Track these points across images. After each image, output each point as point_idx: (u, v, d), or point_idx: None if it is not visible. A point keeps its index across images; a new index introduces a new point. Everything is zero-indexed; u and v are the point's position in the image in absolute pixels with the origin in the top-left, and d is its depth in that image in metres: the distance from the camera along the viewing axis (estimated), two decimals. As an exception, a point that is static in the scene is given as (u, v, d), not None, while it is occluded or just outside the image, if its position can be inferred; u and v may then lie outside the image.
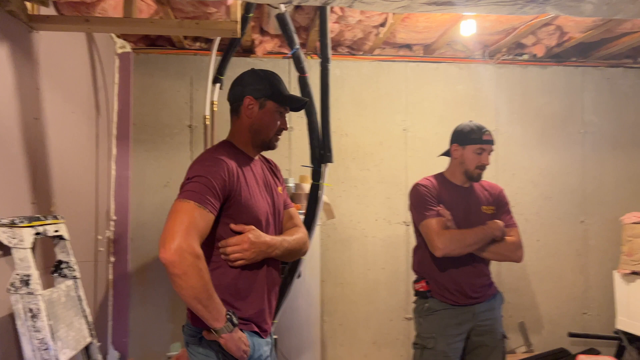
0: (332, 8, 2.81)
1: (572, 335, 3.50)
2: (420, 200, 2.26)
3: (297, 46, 2.55)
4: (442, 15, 2.96)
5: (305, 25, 3.21)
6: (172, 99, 3.45)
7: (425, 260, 2.28)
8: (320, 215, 3.25)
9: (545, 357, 3.35)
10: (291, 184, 3.05)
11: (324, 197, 2.74)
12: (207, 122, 3.01)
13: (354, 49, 3.57)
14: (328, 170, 2.63)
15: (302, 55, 2.57)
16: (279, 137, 1.72)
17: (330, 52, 2.57)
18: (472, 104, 3.64)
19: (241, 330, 1.54)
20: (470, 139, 2.28)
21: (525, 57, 3.67)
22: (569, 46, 3.45)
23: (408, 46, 3.62)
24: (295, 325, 2.86)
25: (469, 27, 3.05)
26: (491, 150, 2.30)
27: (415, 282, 2.34)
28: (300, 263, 2.58)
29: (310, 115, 2.56)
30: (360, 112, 3.59)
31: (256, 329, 1.62)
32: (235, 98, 1.69)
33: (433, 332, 2.22)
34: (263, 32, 3.32)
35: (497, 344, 2.27)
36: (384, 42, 3.50)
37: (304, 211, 2.63)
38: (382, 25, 3.16)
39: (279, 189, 1.79)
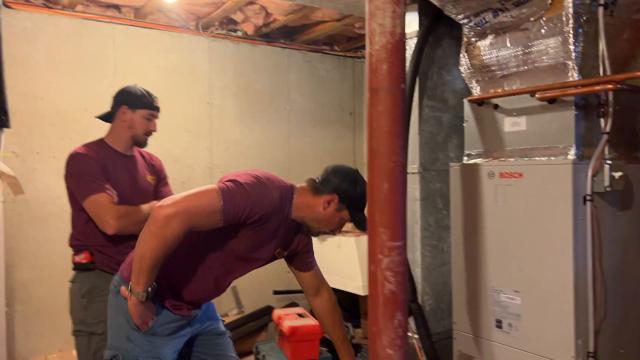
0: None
1: (276, 292, 3.86)
2: (85, 173, 2.05)
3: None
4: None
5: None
6: None
7: (91, 232, 2.08)
8: (4, 191, 2.80)
9: (253, 315, 3.62)
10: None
11: (6, 169, 2.36)
12: None
13: (51, 1, 3.14)
14: (4, 136, 2.26)
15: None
16: None
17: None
18: (185, 75, 3.62)
19: (155, 303, 1.68)
20: (142, 103, 2.15)
21: (239, 33, 3.81)
22: (275, 28, 3.71)
23: (116, 7, 3.37)
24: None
25: (172, -7, 2.99)
26: (157, 118, 2.22)
27: (76, 254, 2.11)
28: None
29: (-20, 71, 2.14)
30: (59, 73, 3.19)
31: (172, 307, 1.73)
32: None
33: (103, 316, 1.90)
34: None
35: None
36: (88, -1, 3.19)
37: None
38: (82, -22, 2.86)
39: None
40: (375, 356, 1.18)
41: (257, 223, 1.66)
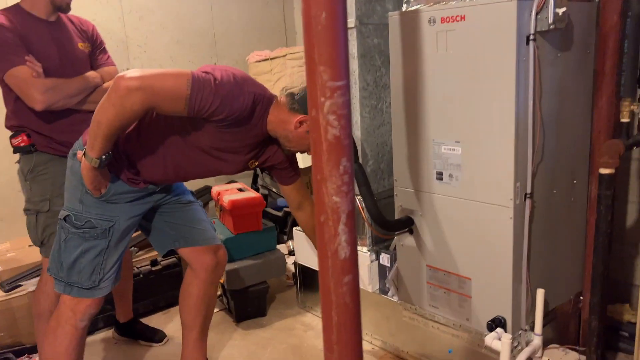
0: None
1: (213, 172, 3.75)
2: (2, 45, 1.81)
3: None
4: None
5: None
6: None
7: (22, 110, 1.92)
8: None
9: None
10: None
11: None
12: None
13: None
14: None
15: None
16: None
17: None
18: None
19: (111, 172, 1.66)
20: None
21: None
22: None
23: None
24: None
25: None
26: None
27: (13, 137, 1.98)
28: None
29: None
30: None
31: (127, 180, 1.71)
32: None
33: (47, 194, 1.99)
34: None
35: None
36: None
37: None
38: None
39: None
40: (321, 204, 1.11)
41: (222, 123, 1.58)
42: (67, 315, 1.75)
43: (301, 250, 2.76)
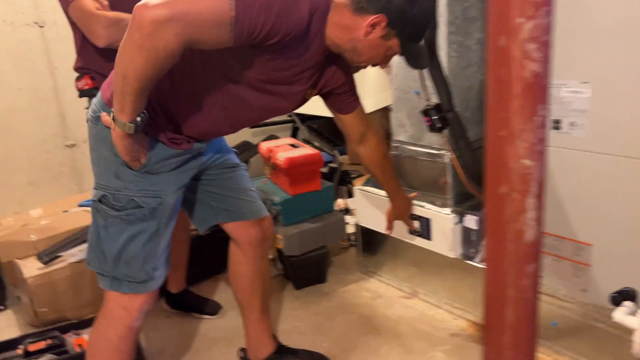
0: None
1: (253, 126, 3.45)
2: None
3: None
4: None
5: None
6: None
7: (86, 49, 1.79)
8: None
9: (231, 153, 3.23)
10: None
11: None
12: None
13: None
14: None
15: None
16: None
17: None
18: None
19: (147, 135, 1.30)
20: None
21: None
22: None
23: None
24: None
25: None
26: None
27: (77, 79, 1.86)
28: None
29: None
30: None
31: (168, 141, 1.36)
32: None
33: None
34: None
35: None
36: None
37: None
38: None
39: None
40: (502, 170, 0.81)
41: (276, 47, 1.20)
42: (118, 314, 1.44)
43: (363, 210, 2.49)
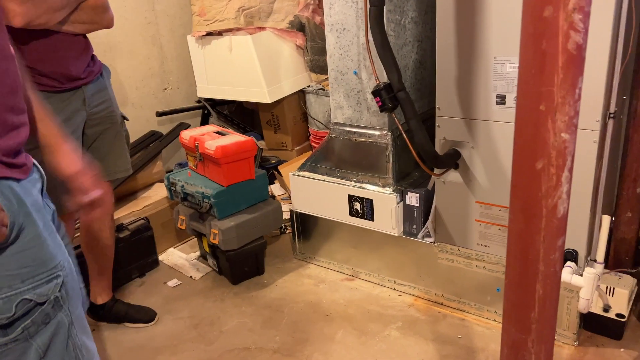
0: None
1: (160, 114, 3.19)
2: None
3: None
4: None
5: None
6: None
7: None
8: None
9: (139, 145, 2.96)
10: None
11: None
12: None
13: None
14: None
15: None
16: None
17: None
18: None
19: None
20: None
21: None
22: None
23: None
24: None
25: None
26: None
27: None
28: None
29: None
30: None
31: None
32: None
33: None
34: None
35: (118, 129, 1.94)
36: None
37: None
38: None
39: None
40: (541, 144, 0.80)
41: None
42: None
43: (298, 195, 2.43)
